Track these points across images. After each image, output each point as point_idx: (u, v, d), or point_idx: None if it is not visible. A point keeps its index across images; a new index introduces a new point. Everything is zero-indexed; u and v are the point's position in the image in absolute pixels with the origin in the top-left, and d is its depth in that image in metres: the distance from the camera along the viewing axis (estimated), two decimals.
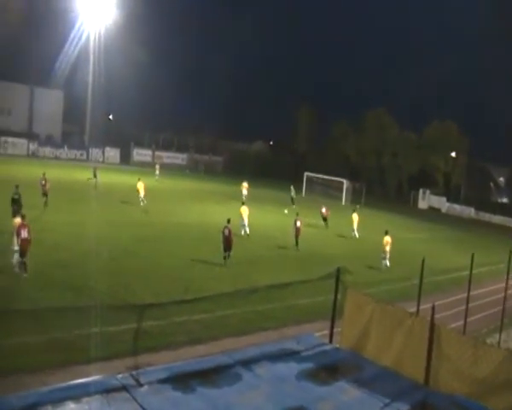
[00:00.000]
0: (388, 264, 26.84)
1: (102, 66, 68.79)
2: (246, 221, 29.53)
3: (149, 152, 79.57)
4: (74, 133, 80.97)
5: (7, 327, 12.02)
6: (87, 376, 10.40)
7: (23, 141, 70.06)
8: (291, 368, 11.27)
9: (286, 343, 12.62)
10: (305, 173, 63.89)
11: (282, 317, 15.87)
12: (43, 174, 32.81)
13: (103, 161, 70.49)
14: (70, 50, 66.09)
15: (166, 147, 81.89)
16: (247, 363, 11.19)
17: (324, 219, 37.33)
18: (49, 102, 78.14)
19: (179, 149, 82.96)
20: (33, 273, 17.73)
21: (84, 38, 70.00)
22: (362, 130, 79.44)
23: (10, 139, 68.85)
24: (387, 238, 26.99)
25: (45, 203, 31.08)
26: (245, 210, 29.93)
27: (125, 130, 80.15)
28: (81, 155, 72.68)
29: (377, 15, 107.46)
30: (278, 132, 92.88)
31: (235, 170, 72.44)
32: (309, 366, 11.46)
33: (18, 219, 18.63)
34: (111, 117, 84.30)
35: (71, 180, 44.88)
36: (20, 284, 16.48)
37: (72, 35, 66.91)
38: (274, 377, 10.81)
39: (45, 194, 31.76)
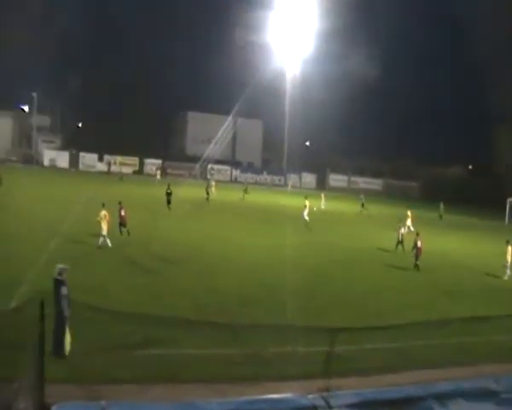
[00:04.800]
0: (510, 274, 25.92)
1: (299, 95, 71.38)
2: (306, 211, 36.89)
3: (345, 177, 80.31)
4: (273, 160, 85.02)
5: (209, 338, 13.04)
6: (279, 392, 10.83)
7: (227, 168, 75.49)
8: None
9: (483, 382, 11.76)
10: (509, 199, 58.97)
11: (479, 352, 14.81)
12: (211, 180, 48.78)
13: (300, 187, 72.74)
14: (268, 81, 69.62)
15: (362, 172, 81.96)
16: (441, 398, 10.67)
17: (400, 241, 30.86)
18: (250, 132, 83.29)
19: (375, 175, 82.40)
20: (235, 291, 19.16)
21: (281, 69, 73.44)
22: None
23: (216, 166, 74.73)
24: (510, 248, 26.30)
25: (207, 199, 44.62)
26: (307, 205, 37.14)
27: (321, 156, 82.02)
28: (279, 180, 76.06)
29: None
30: (478, 156, 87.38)
31: (432, 195, 69.71)
32: None
33: (104, 212, 24.14)
34: (308, 144, 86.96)
35: (271, 204, 47.63)
36: (222, 300, 17.77)
37: (270, 67, 70.52)
38: None
39: (208, 193, 45.45)
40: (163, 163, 72.48)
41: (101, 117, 79.59)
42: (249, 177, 75.71)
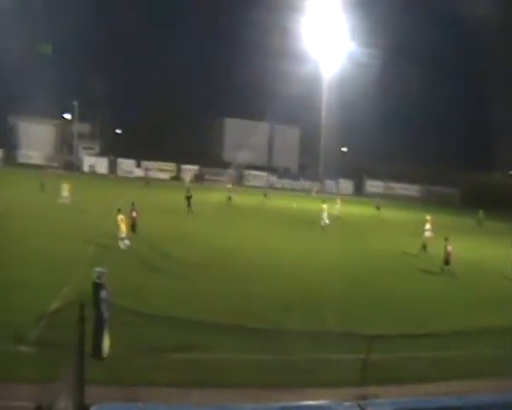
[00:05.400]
0: None
1: (336, 100, 71.10)
2: (325, 215, 38.36)
3: (382, 183, 79.58)
4: (309, 166, 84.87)
5: (245, 343, 13.11)
6: (314, 399, 10.80)
7: (263, 174, 75.67)
8: None
9: None
10: None
11: None
12: (231, 186, 49.95)
13: (337, 192, 72.33)
14: (305, 87, 69.58)
15: (399, 178, 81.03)
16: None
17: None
18: (287, 138, 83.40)
19: (412, 181, 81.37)
20: (270, 295, 19.24)
21: (318, 74, 73.28)
22: None
23: (253, 172, 75.03)
24: None
25: (228, 204, 45.70)
26: (324, 208, 38.58)
27: (358, 162, 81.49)
28: (316, 186, 75.74)
29: None
30: None
31: (472, 201, 68.28)
32: None
33: (121, 216, 25.12)
34: (344, 149, 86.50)
35: (294, 208, 48.10)
36: (257, 305, 17.84)
37: (307, 72, 70.44)
38: None
39: (230, 198, 46.96)
40: (200, 169, 73.11)
41: (139, 124, 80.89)
42: (286, 183, 75.79)
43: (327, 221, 38.03)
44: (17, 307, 14.65)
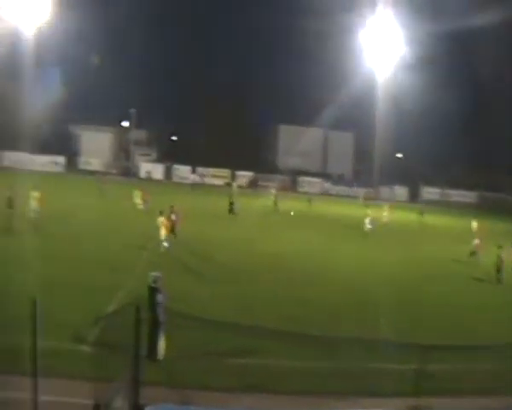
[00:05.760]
0: None
1: (391, 105, 70.04)
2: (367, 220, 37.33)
3: (438, 190, 77.93)
4: (364, 172, 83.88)
5: (298, 350, 13.11)
6: (368, 408, 10.72)
7: (317, 180, 75.41)
8: None
9: None
10: None
11: None
12: (276, 192, 48.39)
13: (392, 199, 71.04)
14: (360, 92, 68.79)
15: (456, 185, 79.01)
16: None
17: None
18: (341, 144, 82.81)
19: (469, 187, 79.15)
20: (323, 301, 19.24)
21: (373, 79, 72.45)
22: None
23: (307, 178, 74.89)
24: None
25: (275, 210, 44.83)
26: (368, 214, 37.96)
27: (413, 168, 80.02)
28: (368, 192, 74.65)
29: None
30: None
31: None
32: None
33: (161, 218, 25.64)
34: (400, 155, 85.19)
35: (338, 214, 49.11)
36: (309, 312, 17.80)
37: (361, 77, 69.74)
38: None
39: (276, 203, 46.01)
40: (254, 175, 73.59)
41: (194, 131, 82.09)
42: (340, 189, 75.20)
43: (370, 226, 37.48)
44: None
